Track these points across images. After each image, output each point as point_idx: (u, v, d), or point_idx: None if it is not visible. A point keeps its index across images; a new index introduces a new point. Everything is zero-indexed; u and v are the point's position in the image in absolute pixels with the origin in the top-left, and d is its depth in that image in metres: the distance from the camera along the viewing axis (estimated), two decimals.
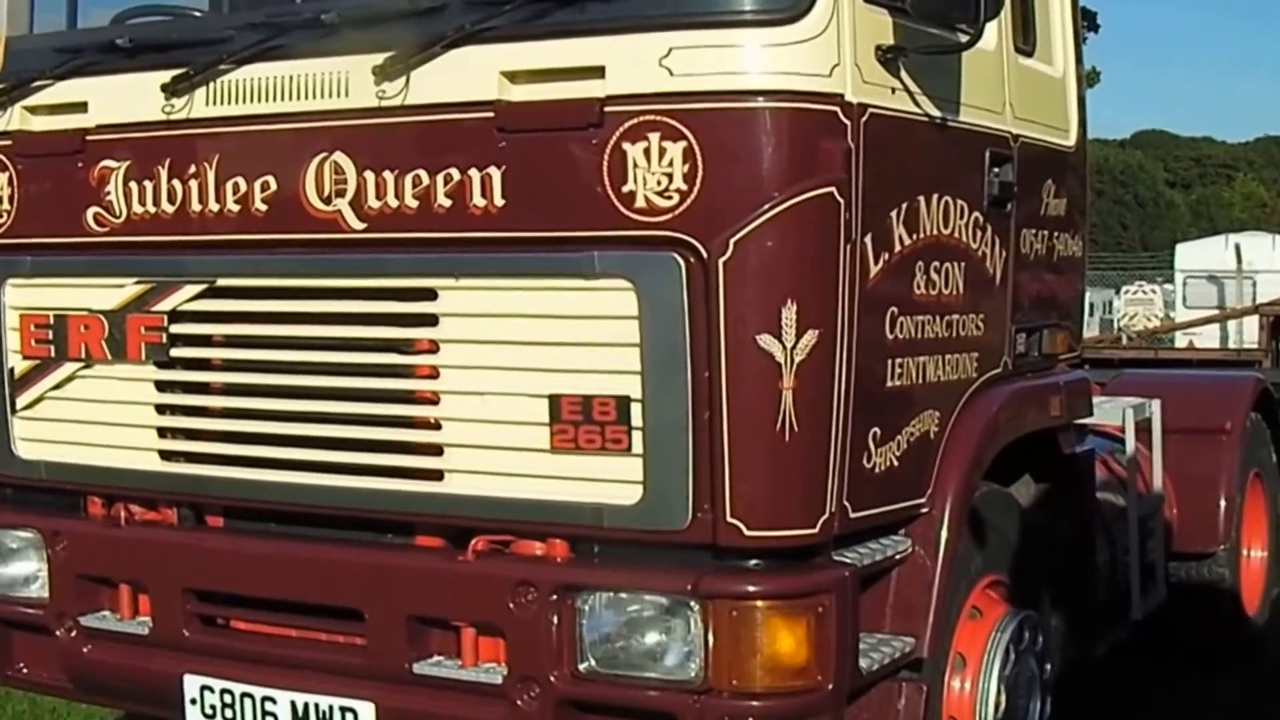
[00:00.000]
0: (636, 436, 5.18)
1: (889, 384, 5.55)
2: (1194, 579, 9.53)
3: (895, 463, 5.60)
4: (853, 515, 5.37)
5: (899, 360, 5.60)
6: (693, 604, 5.18)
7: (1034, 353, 6.81)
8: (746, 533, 5.11)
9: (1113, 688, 8.94)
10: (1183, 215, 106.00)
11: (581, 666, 5.35)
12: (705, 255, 5.02)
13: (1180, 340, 32.16)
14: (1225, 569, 9.57)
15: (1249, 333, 30.17)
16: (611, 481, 5.25)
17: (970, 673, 6.19)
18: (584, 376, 5.25)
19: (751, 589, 5.14)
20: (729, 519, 5.10)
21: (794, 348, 5.04)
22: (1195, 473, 9.42)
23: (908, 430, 5.69)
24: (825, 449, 5.19)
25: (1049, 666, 6.73)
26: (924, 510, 5.85)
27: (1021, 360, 6.66)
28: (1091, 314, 42.00)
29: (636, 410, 5.17)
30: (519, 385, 5.36)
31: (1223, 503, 9.50)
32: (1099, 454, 8.11)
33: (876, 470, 5.49)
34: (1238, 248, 36.05)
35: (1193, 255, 38.46)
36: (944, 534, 5.85)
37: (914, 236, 5.59)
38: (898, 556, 5.75)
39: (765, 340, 5.01)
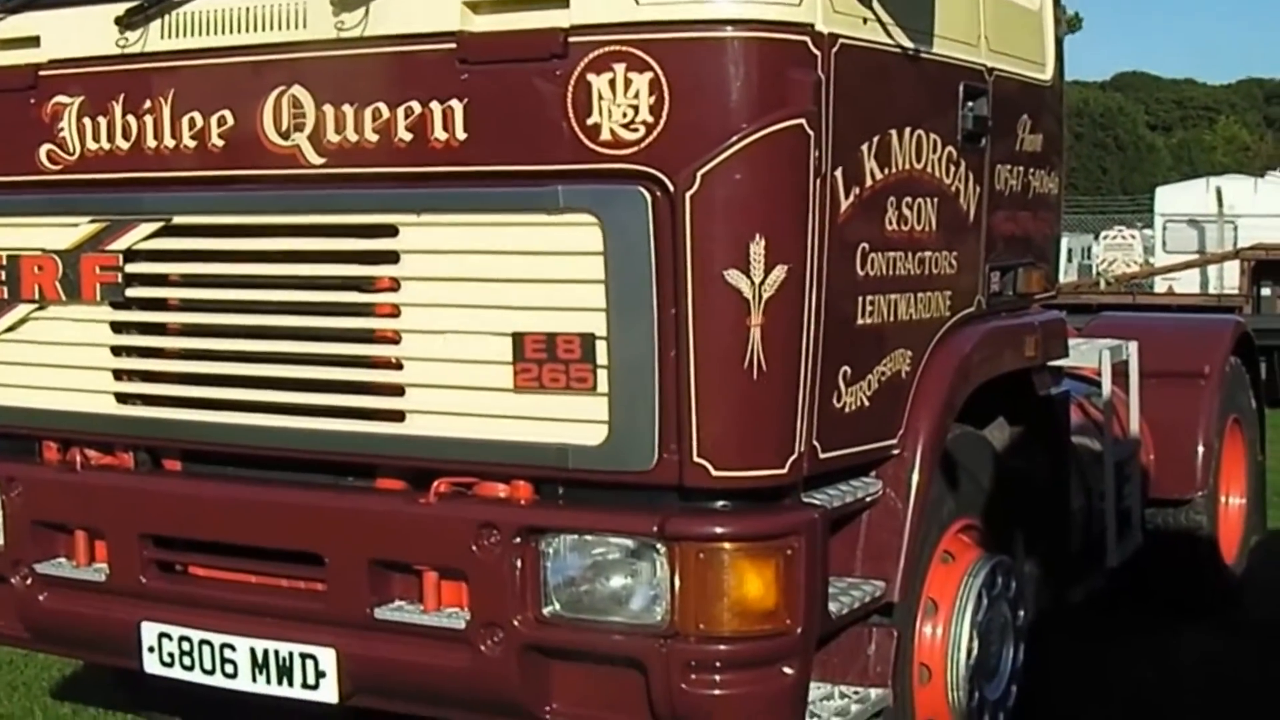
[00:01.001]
0: (602, 375, 5.16)
1: (859, 322, 5.55)
2: (1171, 526, 9.57)
3: (866, 403, 5.60)
4: (822, 456, 5.38)
5: (870, 298, 5.59)
6: (659, 546, 5.18)
7: (1008, 292, 6.81)
8: (714, 473, 5.10)
9: (1088, 635, 8.98)
10: (1164, 159, 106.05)
11: (545, 611, 5.35)
12: (672, 189, 4.99)
13: (1160, 285, 32.13)
14: (1203, 516, 9.61)
15: (1229, 278, 30.06)
16: (576, 421, 5.23)
17: (942, 618, 6.22)
18: (548, 314, 5.23)
19: (719, 531, 5.14)
20: (696, 459, 5.09)
21: (762, 283, 5.03)
22: (1173, 417, 9.42)
23: (879, 370, 5.69)
24: (794, 387, 5.18)
25: (1023, 613, 6.78)
26: (895, 452, 5.85)
27: (995, 299, 6.66)
28: (1070, 260, 41.86)
29: (601, 348, 5.15)
30: (482, 323, 5.34)
31: (1201, 448, 9.52)
32: (1074, 397, 8.16)
33: (847, 410, 5.50)
34: (1219, 191, 35.88)
35: (1173, 199, 38.19)
36: (915, 476, 5.86)
37: (886, 171, 5.59)
38: (868, 499, 5.75)
39: (733, 276, 5.00)
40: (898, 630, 5.86)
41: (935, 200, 5.98)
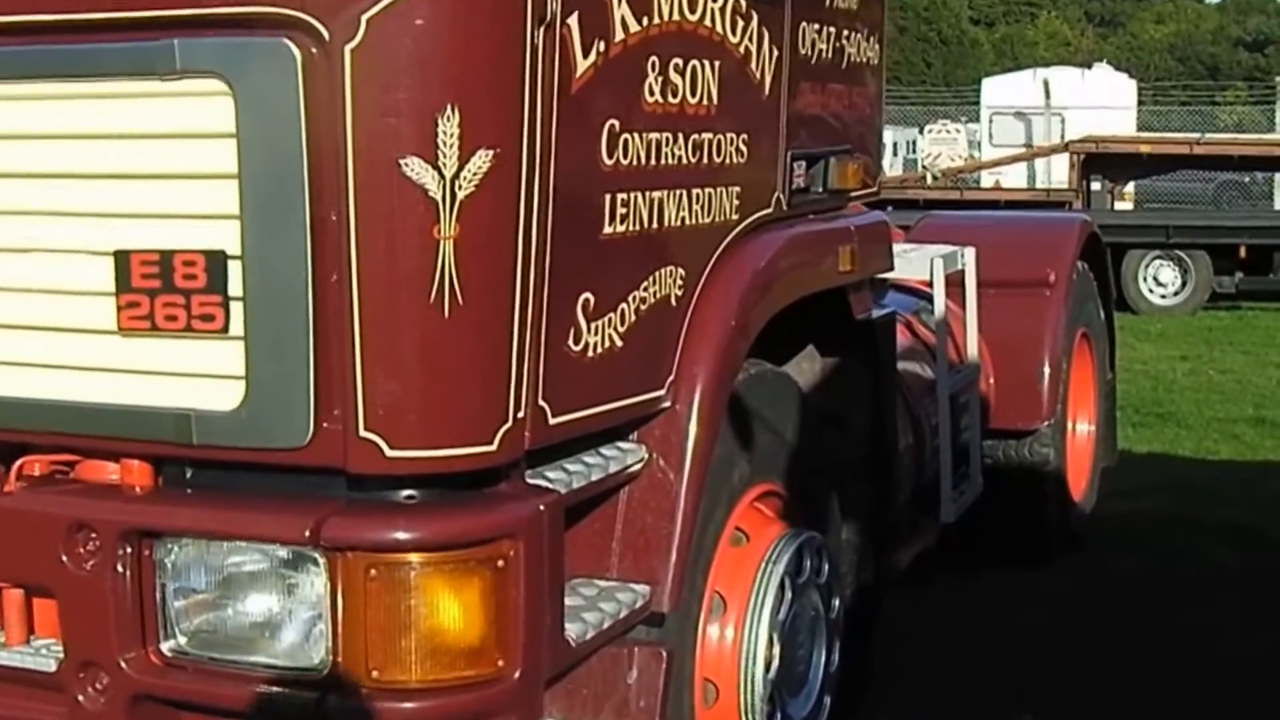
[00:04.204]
0: (235, 310, 3.64)
1: (606, 231, 4.02)
2: (1013, 461, 8.38)
3: (617, 342, 4.10)
4: (553, 421, 3.87)
5: (622, 196, 4.06)
6: (316, 557, 3.70)
7: (817, 188, 5.33)
8: (388, 453, 3.59)
9: (916, 591, 7.60)
10: (986, 54, 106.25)
11: (165, 647, 3.90)
12: (328, 40, 3.48)
13: (986, 180, 32.16)
14: (1049, 449, 8.42)
15: (1058, 172, 30.53)
16: (202, 376, 3.72)
17: (733, 619, 4.79)
18: (161, 224, 3.69)
19: (396, 536, 3.63)
20: (363, 433, 3.58)
21: (456, 177, 3.51)
22: (1015, 335, 8.21)
23: (637, 296, 4.18)
24: (504, 326, 3.66)
25: (837, 602, 5.33)
26: (664, 405, 4.39)
27: (800, 198, 5.18)
28: (895, 154, 41.61)
29: (235, 272, 3.63)
30: (74, 238, 3.79)
31: (1046, 370, 8.29)
32: (901, 316, 6.80)
33: (590, 354, 3.99)
34: (1046, 83, 35.78)
35: (999, 90, 37.94)
36: (692, 435, 4.41)
37: (644, 23, 4.07)
38: (626, 472, 4.30)
39: (413, 166, 3.48)
40: (669, 649, 4.40)
41: (716, 65, 4.47)
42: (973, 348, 7.67)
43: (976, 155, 37.56)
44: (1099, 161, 27.30)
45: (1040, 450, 8.37)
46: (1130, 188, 30.89)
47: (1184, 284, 22.83)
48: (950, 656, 7.31)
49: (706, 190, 4.50)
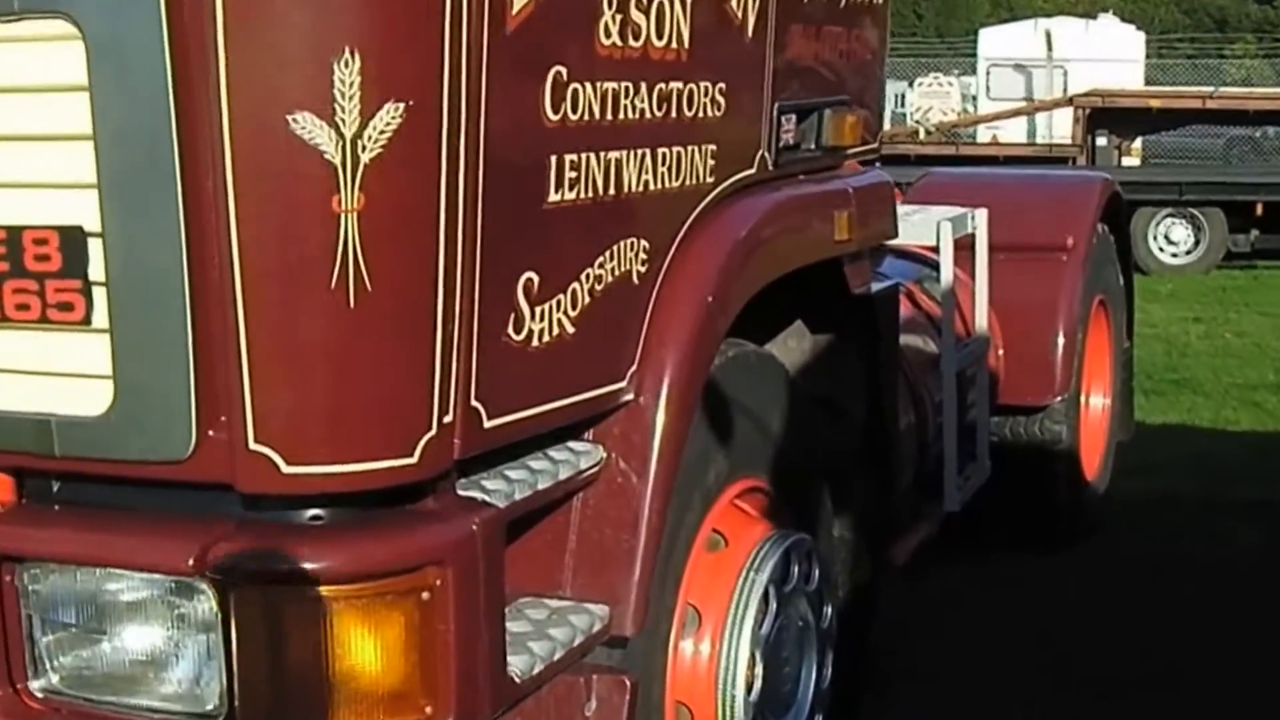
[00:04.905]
0: (99, 298, 3.11)
1: (553, 198, 3.47)
2: (1022, 440, 7.94)
3: (568, 328, 3.56)
4: (489, 424, 3.33)
5: (571, 158, 3.50)
6: (204, 589, 3.19)
7: (809, 144, 4.79)
8: (284, 469, 3.06)
9: (916, 580, 7.00)
10: (981, 4, 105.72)
11: (35, 686, 3.42)
12: None
13: (983, 135, 31.68)
14: (1062, 425, 7.97)
15: (1059, 126, 30.15)
16: (63, 375, 3.20)
17: (709, 633, 4.30)
18: (7, 195, 3.17)
19: (300, 566, 3.10)
20: (253, 445, 3.04)
21: (359, 135, 2.97)
22: (1027, 304, 7.76)
23: (591, 274, 3.64)
24: (426, 315, 3.12)
25: (829, 609, 4.83)
26: (625, 399, 3.86)
27: (789, 156, 4.64)
28: None
29: (95, 252, 3.09)
30: None
31: (1061, 341, 7.83)
32: (903, 285, 6.30)
33: (534, 344, 3.45)
34: (1048, 33, 34.98)
35: (997, 41, 37.09)
36: (659, 432, 3.89)
37: None
38: (581, 477, 3.77)
39: (305, 123, 2.94)
40: (633, 676, 3.89)
41: (688, 1, 3.91)
42: (982, 319, 7.20)
43: (970, 109, 36.91)
44: (1105, 116, 26.90)
45: (1052, 427, 7.94)
46: (1138, 143, 30.49)
47: (1197, 242, 22.51)
48: (952, 651, 6.89)
49: (675, 149, 3.95)
